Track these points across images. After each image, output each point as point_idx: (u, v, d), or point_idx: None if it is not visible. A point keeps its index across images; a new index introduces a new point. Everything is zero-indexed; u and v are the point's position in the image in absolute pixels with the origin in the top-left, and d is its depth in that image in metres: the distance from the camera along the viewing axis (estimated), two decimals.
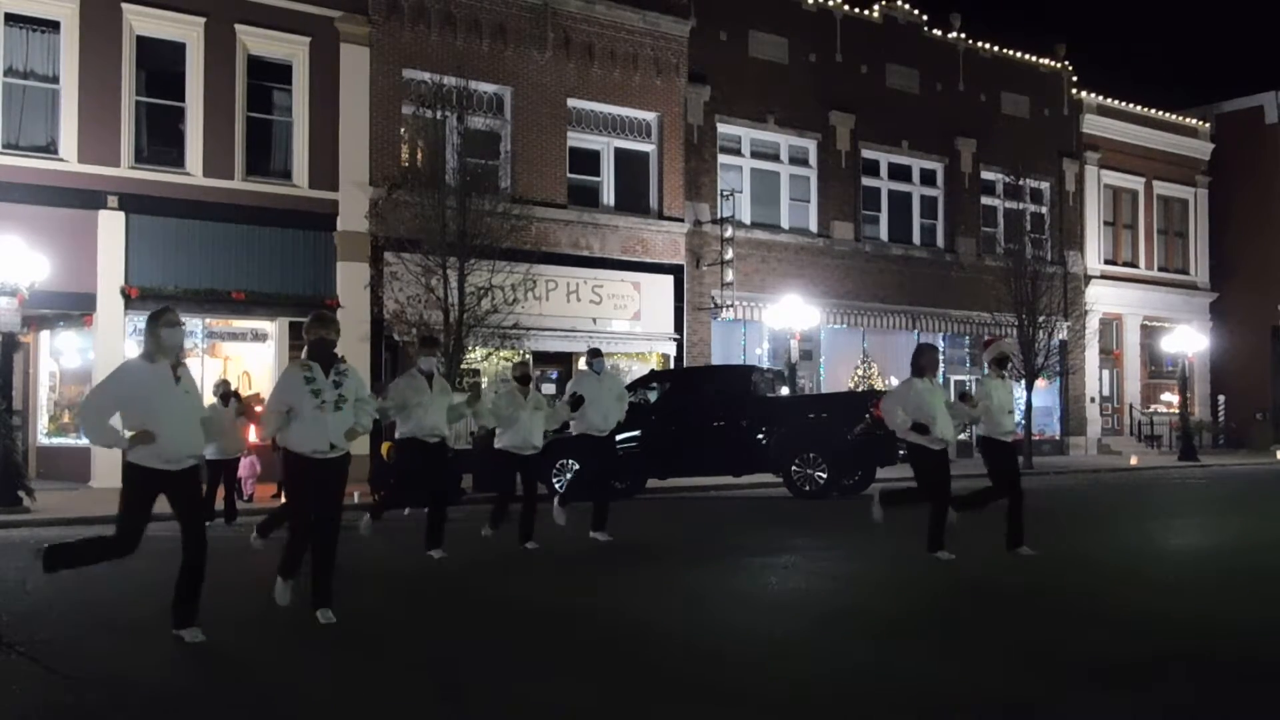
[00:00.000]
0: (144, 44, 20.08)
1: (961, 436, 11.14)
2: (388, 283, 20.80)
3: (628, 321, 24.85)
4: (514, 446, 11.84)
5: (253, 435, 14.72)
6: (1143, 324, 35.42)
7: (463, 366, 20.26)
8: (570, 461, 16.95)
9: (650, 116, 25.62)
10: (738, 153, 27.31)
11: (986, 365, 11.51)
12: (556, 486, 17.71)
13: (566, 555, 11.21)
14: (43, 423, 21.66)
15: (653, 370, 23.66)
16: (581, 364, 17.70)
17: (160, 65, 20.30)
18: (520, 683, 6.00)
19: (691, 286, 25.77)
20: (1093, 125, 34.00)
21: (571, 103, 24.46)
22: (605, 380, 12.35)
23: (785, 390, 22.30)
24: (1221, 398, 37.48)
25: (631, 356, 25.06)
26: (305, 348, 7.81)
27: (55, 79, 19.41)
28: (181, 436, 6.90)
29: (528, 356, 23.04)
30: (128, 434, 6.86)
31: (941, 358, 29.59)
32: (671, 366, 24.94)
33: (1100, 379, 34.15)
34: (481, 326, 19.71)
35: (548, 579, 9.88)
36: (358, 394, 7.77)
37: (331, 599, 7.53)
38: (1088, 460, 30.73)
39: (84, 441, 19.94)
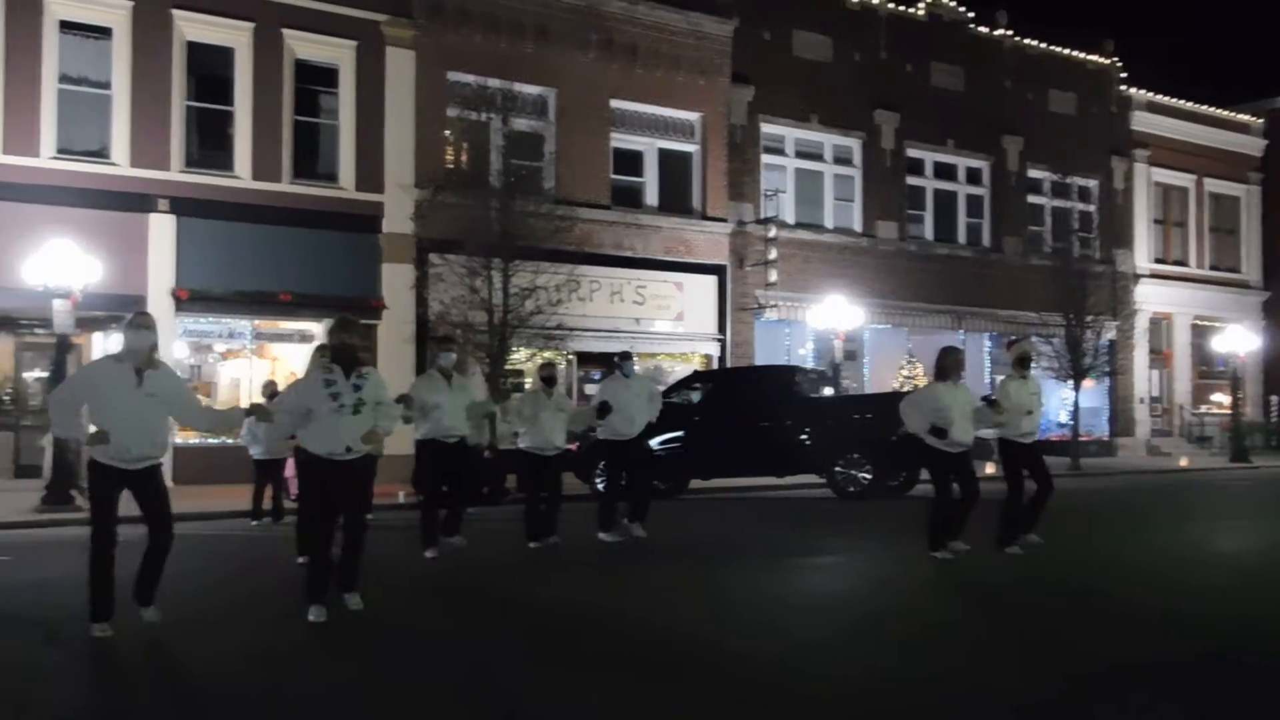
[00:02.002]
0: (193, 49, 20.38)
1: (987, 433, 11.11)
2: (432, 284, 20.96)
3: (670, 322, 24.86)
4: (535, 447, 11.93)
5: None
6: (1193, 323, 34.90)
7: (506, 367, 20.37)
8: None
9: (693, 117, 25.62)
10: (781, 152, 27.24)
11: (1010, 366, 11.47)
12: (599, 487, 17.76)
13: (606, 555, 11.26)
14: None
15: (695, 371, 23.67)
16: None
17: (209, 70, 20.59)
18: (555, 682, 6.05)
19: (734, 287, 25.74)
20: (1142, 122, 33.55)
21: (615, 104, 24.51)
22: (634, 384, 12.36)
23: (829, 391, 22.19)
24: (1274, 398, 36.80)
25: (674, 357, 25.08)
26: (329, 351, 7.94)
27: (107, 85, 19.74)
28: (132, 437, 7.11)
29: (571, 358, 23.16)
30: (91, 429, 7.15)
31: (987, 358, 29.43)
32: (714, 367, 24.92)
33: (1149, 379, 33.70)
34: (525, 327, 19.80)
35: (583, 578, 9.93)
36: (379, 398, 7.82)
37: (357, 585, 7.76)
38: (1136, 461, 30.34)
39: None
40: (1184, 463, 28.66)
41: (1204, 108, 35.40)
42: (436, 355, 11.67)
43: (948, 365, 10.54)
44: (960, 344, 27.73)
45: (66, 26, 19.48)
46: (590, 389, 22.10)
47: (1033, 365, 11.73)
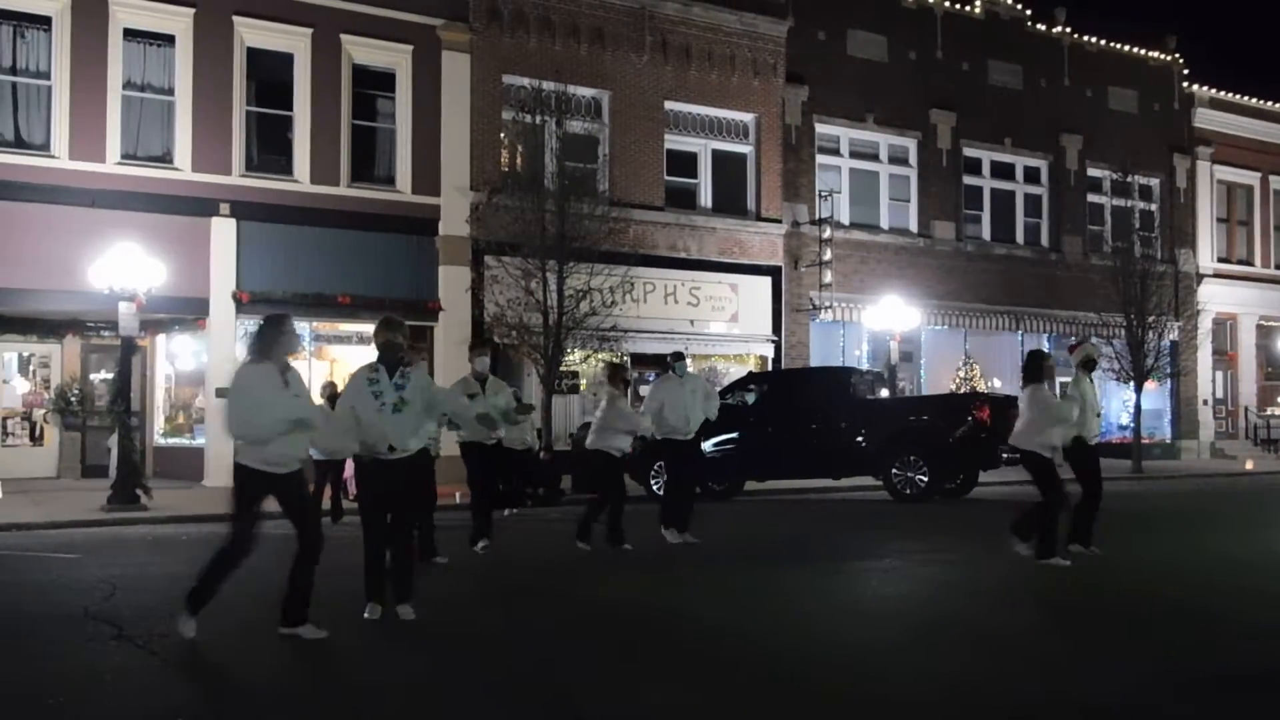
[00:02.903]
0: (254, 55, 20.66)
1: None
2: (488, 286, 21.09)
3: (725, 323, 24.82)
4: (606, 448, 11.94)
5: None
6: (1259, 324, 34.23)
7: (561, 369, 20.44)
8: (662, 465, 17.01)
9: (748, 118, 25.56)
10: (836, 153, 27.10)
11: (1074, 367, 11.38)
12: (655, 488, 17.77)
13: (662, 557, 11.26)
14: (159, 423, 22.43)
15: (750, 372, 23.59)
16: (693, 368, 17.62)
17: (269, 76, 20.86)
18: (610, 683, 6.06)
19: (789, 288, 25.64)
20: (1205, 119, 32.95)
21: (669, 105, 24.52)
22: (687, 382, 12.40)
23: (885, 392, 22.04)
24: None
25: (729, 358, 25.03)
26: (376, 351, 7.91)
27: (170, 91, 20.05)
28: (289, 440, 7.02)
29: (626, 359, 23.14)
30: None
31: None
32: (769, 368, 24.85)
33: (1214, 381, 33.11)
34: (580, 329, 19.87)
35: (639, 579, 9.93)
36: (426, 395, 7.80)
37: (411, 595, 7.70)
38: (1200, 465, 29.82)
39: (199, 441, 20.72)
40: (1249, 466, 28.13)
41: (1269, 104, 34.68)
42: (472, 359, 11.71)
43: (1045, 368, 10.55)
44: (1019, 345, 27.52)
45: (131, 34, 19.81)
46: (645, 390, 22.09)
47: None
